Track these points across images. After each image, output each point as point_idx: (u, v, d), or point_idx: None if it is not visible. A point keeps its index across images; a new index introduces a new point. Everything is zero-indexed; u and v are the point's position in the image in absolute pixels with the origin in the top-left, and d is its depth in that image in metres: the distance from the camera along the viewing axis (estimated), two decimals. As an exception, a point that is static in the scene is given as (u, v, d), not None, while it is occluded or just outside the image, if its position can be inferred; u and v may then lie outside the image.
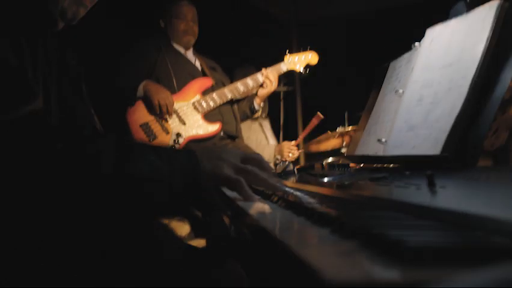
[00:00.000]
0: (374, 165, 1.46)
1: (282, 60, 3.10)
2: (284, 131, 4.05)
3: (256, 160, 1.03)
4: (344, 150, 3.38)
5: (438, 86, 1.09)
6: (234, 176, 0.94)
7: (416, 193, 0.72)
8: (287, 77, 3.99)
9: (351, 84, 4.50)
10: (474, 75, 0.96)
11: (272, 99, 3.68)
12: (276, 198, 0.90)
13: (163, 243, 1.08)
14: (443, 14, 1.35)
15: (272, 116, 3.94)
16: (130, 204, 0.88)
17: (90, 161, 0.81)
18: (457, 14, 1.15)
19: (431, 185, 0.76)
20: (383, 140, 1.24)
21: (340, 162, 1.89)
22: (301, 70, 3.06)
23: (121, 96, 2.49)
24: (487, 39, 0.96)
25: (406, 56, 1.38)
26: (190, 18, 2.81)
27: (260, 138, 3.48)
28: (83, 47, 1.39)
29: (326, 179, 1.31)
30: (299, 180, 1.45)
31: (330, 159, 3.98)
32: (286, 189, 0.96)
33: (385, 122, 1.33)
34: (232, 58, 3.39)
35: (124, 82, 2.51)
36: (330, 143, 3.74)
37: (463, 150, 0.92)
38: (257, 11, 4.49)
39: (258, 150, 3.28)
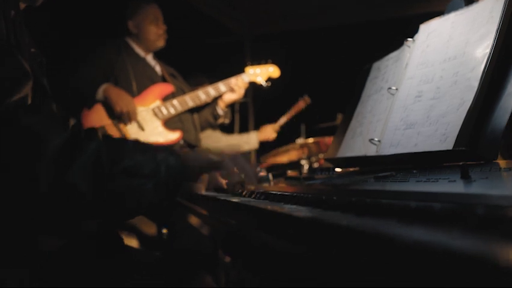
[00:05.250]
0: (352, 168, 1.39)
1: (240, 71, 3.02)
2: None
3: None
4: (303, 161, 3.33)
5: (439, 81, 1.03)
6: (220, 159, 1.04)
7: (458, 185, 0.65)
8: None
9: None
10: (485, 67, 0.91)
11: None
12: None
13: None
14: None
15: (226, 129, 3.84)
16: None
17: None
18: (455, 8, 1.11)
19: (466, 177, 0.68)
20: (376, 139, 1.17)
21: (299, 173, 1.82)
22: (263, 83, 2.98)
23: (77, 97, 2.30)
24: (497, 30, 0.92)
25: (393, 55, 1.33)
26: (161, 21, 2.69)
27: (229, 139, 3.42)
28: (40, 37, 1.25)
29: (314, 182, 1.22)
30: (284, 184, 1.35)
31: (288, 172, 3.94)
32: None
33: (374, 122, 1.26)
34: (183, 67, 3.26)
35: (81, 83, 2.32)
36: (288, 155, 3.69)
37: (479, 144, 0.86)
38: (211, 23, 4.41)
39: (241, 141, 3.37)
